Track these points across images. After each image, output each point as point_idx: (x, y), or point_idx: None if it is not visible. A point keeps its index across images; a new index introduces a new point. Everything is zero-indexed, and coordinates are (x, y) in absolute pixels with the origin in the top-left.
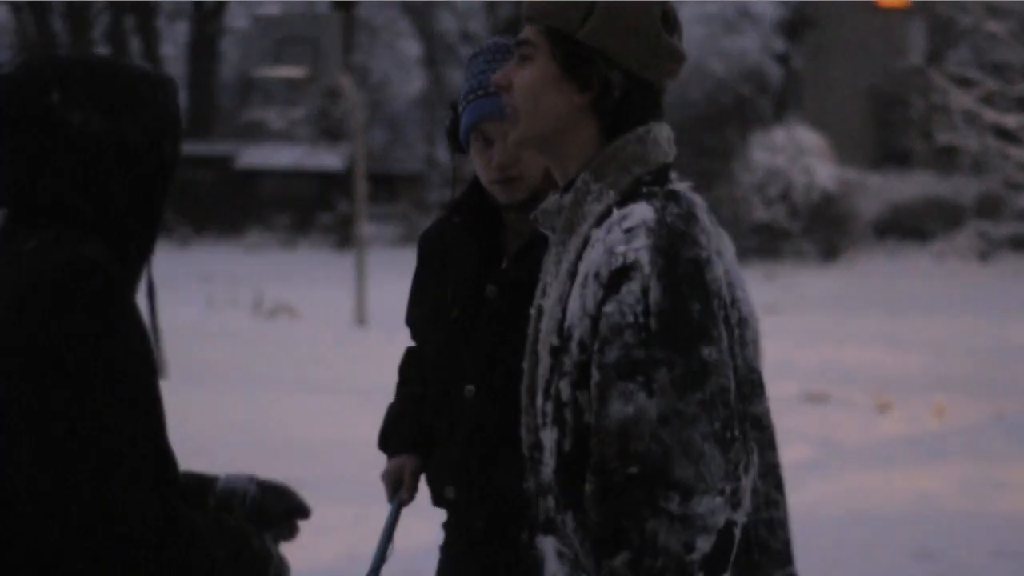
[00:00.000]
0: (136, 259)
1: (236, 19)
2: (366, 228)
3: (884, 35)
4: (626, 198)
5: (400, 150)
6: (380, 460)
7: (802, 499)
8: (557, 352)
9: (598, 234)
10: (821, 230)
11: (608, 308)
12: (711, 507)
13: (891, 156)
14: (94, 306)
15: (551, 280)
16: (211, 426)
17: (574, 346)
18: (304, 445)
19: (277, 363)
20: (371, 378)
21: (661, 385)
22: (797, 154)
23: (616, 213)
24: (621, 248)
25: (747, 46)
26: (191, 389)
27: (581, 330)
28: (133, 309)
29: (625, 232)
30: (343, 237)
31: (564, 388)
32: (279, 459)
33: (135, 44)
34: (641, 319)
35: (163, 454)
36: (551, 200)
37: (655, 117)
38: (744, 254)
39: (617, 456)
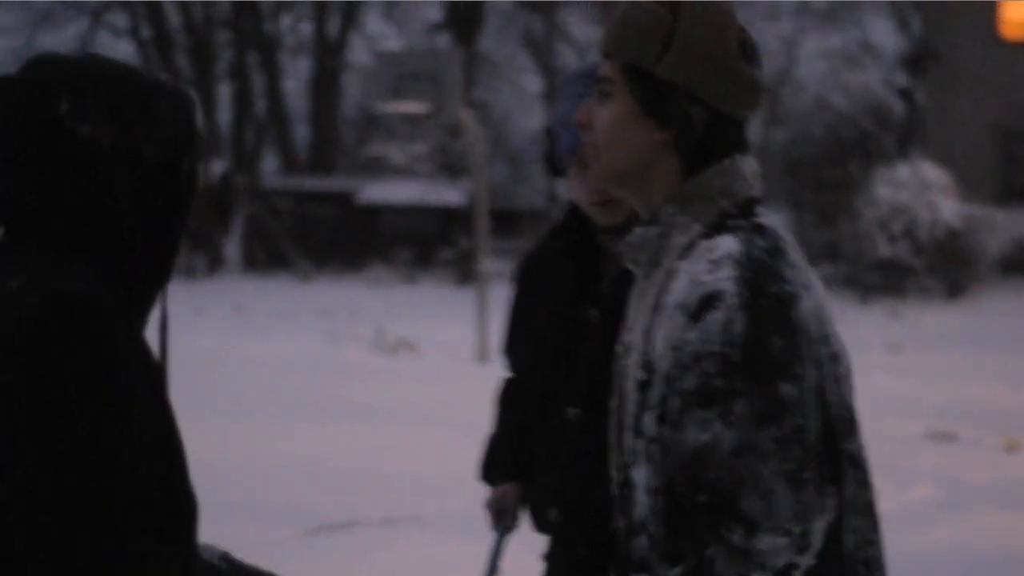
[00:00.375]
0: (148, 288)
1: (358, 55)
2: (487, 264)
3: (1009, 69)
4: (712, 231)
5: (521, 185)
6: None
7: (931, 540)
8: (644, 387)
9: (683, 266)
10: (945, 267)
11: (690, 335)
12: (773, 546)
13: (1017, 191)
14: (78, 349)
15: (636, 315)
16: (332, 461)
17: (659, 380)
18: (426, 481)
19: (398, 399)
20: (492, 415)
21: (739, 416)
22: (921, 190)
23: (702, 245)
24: (706, 278)
25: (869, 80)
26: (312, 424)
27: (667, 363)
28: (134, 342)
29: (710, 263)
30: (464, 272)
31: (649, 423)
32: (401, 495)
33: (258, 80)
34: (723, 349)
35: (180, 495)
36: (636, 233)
37: (739, 150)
38: (867, 291)
39: (687, 482)
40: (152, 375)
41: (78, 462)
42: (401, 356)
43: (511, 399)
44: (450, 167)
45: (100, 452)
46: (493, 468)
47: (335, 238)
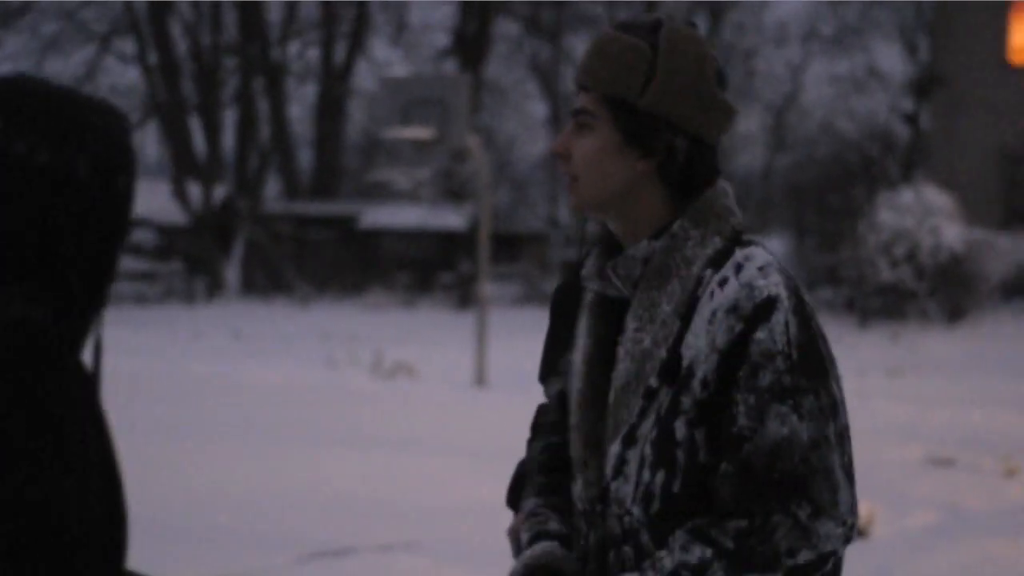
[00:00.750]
0: (84, 311)
1: (364, 80)
2: (487, 288)
3: (1015, 94)
4: (734, 243)
5: (523, 210)
6: (500, 523)
7: (932, 566)
8: (653, 394)
9: (723, 273)
10: (947, 291)
11: (760, 335)
12: (830, 532)
13: (1020, 216)
14: (21, 378)
15: (642, 324)
16: (328, 487)
17: (696, 384)
18: (423, 508)
19: (396, 424)
20: (490, 440)
21: (809, 411)
22: (925, 215)
23: (737, 253)
24: (761, 282)
25: (875, 106)
26: (308, 450)
27: (706, 367)
28: (76, 369)
29: (759, 270)
30: (464, 297)
31: (679, 428)
32: (398, 522)
33: (263, 105)
34: (785, 348)
35: (119, 525)
36: (640, 247)
37: (716, 173)
38: (869, 315)
39: (764, 468)
40: (95, 405)
41: (27, 495)
42: (399, 381)
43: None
44: (452, 191)
45: (49, 486)
46: (518, 494)
47: (336, 262)
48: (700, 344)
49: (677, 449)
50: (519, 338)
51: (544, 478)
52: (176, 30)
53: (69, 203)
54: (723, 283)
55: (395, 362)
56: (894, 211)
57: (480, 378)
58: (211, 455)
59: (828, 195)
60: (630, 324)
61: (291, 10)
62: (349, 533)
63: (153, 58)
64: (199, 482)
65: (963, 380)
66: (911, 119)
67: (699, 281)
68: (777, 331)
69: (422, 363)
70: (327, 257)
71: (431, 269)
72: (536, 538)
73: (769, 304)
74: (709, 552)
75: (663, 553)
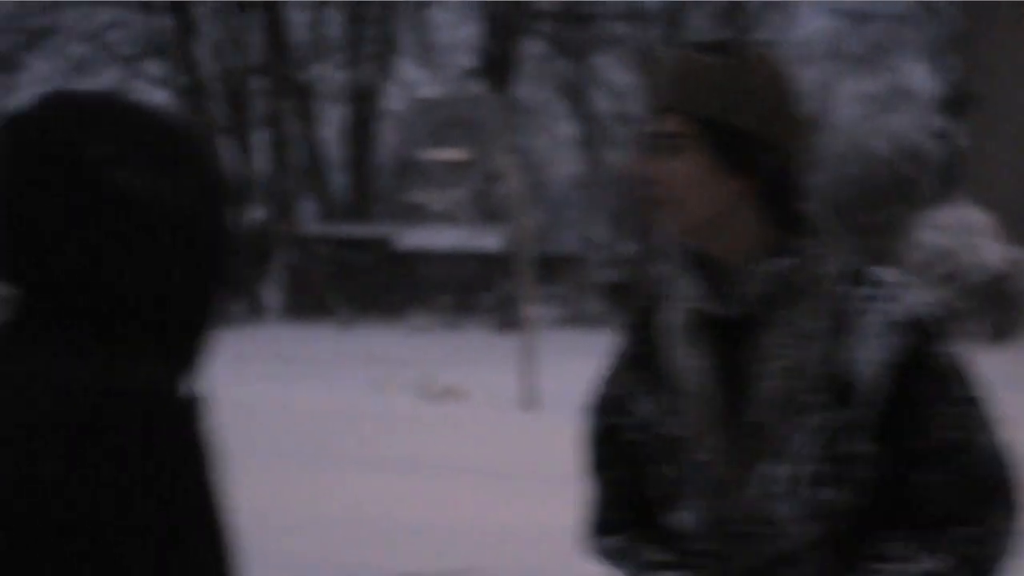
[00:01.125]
0: (193, 359)
1: (393, 101)
2: (532, 310)
3: None
4: (856, 260)
5: (557, 231)
6: (557, 547)
7: None
8: (809, 411)
9: (868, 288)
10: (989, 311)
11: (942, 348)
12: (1020, 532)
13: None
14: (134, 464)
15: (785, 341)
16: (382, 513)
17: (862, 398)
18: (477, 532)
19: (445, 447)
20: (543, 464)
21: (991, 420)
22: (964, 233)
23: (872, 269)
24: (911, 299)
25: (906, 124)
26: (359, 475)
27: (872, 381)
28: (193, 431)
29: (900, 286)
30: (505, 319)
31: (846, 443)
32: (452, 547)
33: (294, 127)
34: (958, 362)
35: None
36: (764, 265)
37: (806, 188)
38: None
39: (981, 475)
40: (209, 463)
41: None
42: (447, 404)
43: None
44: (488, 212)
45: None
46: None
47: (375, 285)
48: (862, 358)
49: (846, 464)
50: (565, 360)
51: (614, 514)
52: (203, 52)
53: (176, 240)
54: (873, 298)
55: (442, 385)
56: (933, 229)
57: (529, 401)
58: (255, 482)
59: (860, 214)
60: (768, 342)
61: (317, 30)
62: (403, 559)
63: (181, 80)
64: (244, 507)
65: (1011, 400)
66: (944, 137)
67: (840, 297)
68: (950, 345)
69: (468, 386)
70: (366, 279)
71: (471, 291)
72: (647, 568)
73: (932, 318)
74: (950, 560)
75: (893, 567)
